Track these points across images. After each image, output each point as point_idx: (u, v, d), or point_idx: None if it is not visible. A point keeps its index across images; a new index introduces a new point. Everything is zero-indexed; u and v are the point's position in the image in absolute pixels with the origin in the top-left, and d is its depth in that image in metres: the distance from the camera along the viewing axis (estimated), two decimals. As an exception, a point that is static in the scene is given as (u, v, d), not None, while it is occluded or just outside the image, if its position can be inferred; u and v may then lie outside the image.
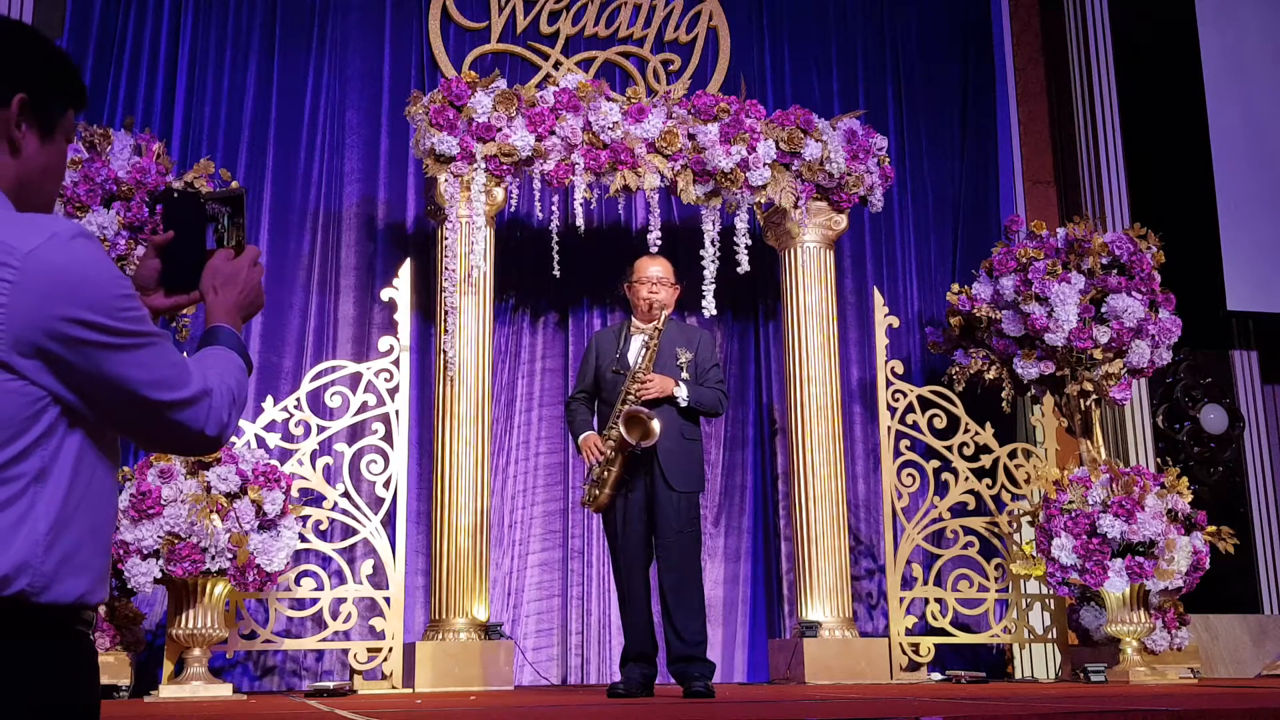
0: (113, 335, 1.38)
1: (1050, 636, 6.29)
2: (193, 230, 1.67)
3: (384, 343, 5.75)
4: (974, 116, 7.54)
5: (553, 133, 5.73)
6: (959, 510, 6.28)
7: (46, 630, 1.36)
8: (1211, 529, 5.83)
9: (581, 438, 4.78)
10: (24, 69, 1.47)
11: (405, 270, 5.81)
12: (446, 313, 5.70)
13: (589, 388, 4.93)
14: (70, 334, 1.35)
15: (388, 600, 5.56)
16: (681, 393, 4.69)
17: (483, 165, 5.67)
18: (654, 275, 4.88)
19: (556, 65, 6.81)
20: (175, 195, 1.69)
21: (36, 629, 1.35)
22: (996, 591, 6.21)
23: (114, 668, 4.94)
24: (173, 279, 1.64)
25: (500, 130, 5.67)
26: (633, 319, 4.93)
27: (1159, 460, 7.02)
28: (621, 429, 4.58)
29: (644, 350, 4.74)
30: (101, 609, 4.85)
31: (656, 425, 4.56)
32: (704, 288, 5.78)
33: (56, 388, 1.37)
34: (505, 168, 5.71)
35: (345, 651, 5.67)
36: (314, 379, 5.70)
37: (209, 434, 1.48)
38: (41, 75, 1.49)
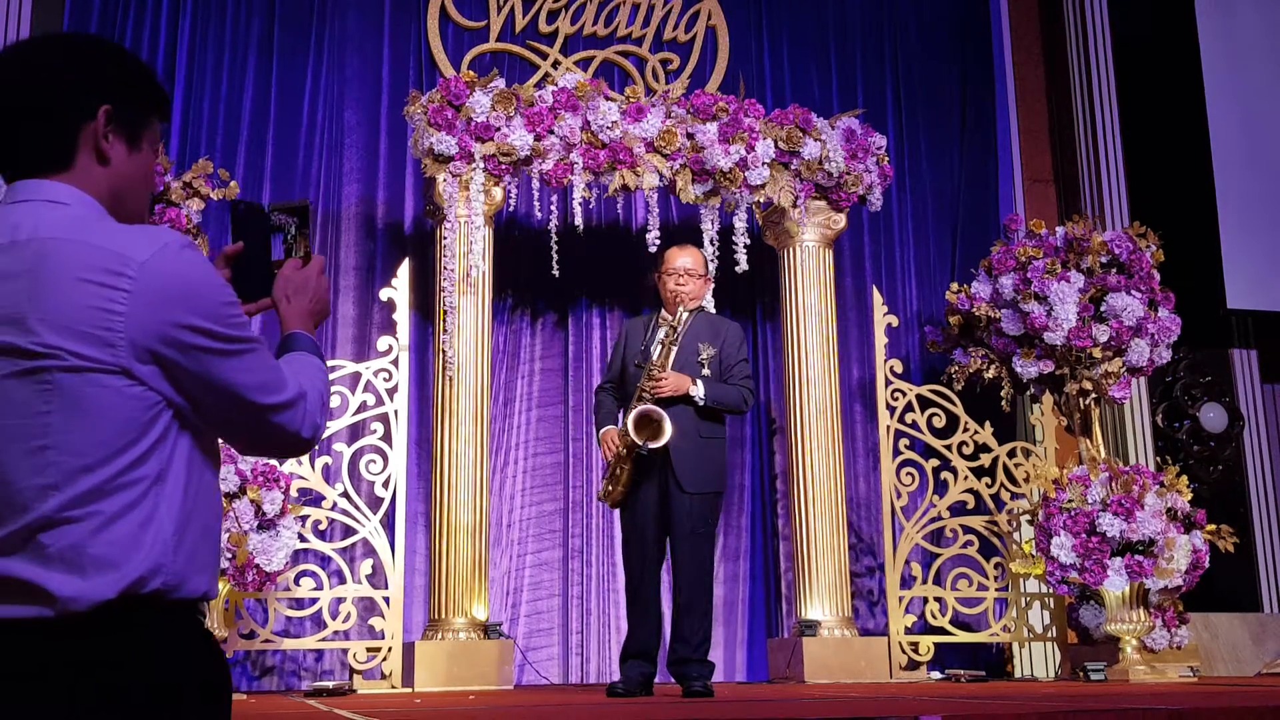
0: (221, 341, 1.45)
1: (1050, 635, 6.29)
2: (260, 240, 1.73)
3: (383, 342, 5.75)
4: (973, 116, 7.54)
5: (551, 132, 5.73)
6: (958, 509, 6.29)
7: (182, 622, 1.43)
8: (1211, 527, 5.84)
9: (602, 432, 4.74)
10: (107, 80, 1.53)
11: (404, 270, 5.82)
12: (445, 312, 5.70)
13: (615, 378, 4.85)
14: (183, 340, 1.42)
15: (387, 600, 5.57)
16: (698, 391, 4.59)
17: (481, 165, 5.67)
18: (681, 266, 4.79)
19: (555, 64, 6.82)
20: (242, 208, 1.74)
21: (173, 623, 1.42)
22: (996, 590, 6.22)
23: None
24: (244, 288, 1.69)
25: (499, 130, 5.68)
26: (662, 310, 4.85)
27: (1158, 459, 7.02)
28: (630, 428, 4.49)
29: (660, 345, 4.66)
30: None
31: (668, 426, 4.46)
32: (703, 287, 5.77)
33: (170, 392, 1.43)
34: (504, 167, 5.71)
35: (344, 651, 5.68)
36: (313, 379, 5.69)
37: (305, 435, 1.55)
38: (125, 86, 1.55)
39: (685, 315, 4.70)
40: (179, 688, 1.39)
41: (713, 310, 5.75)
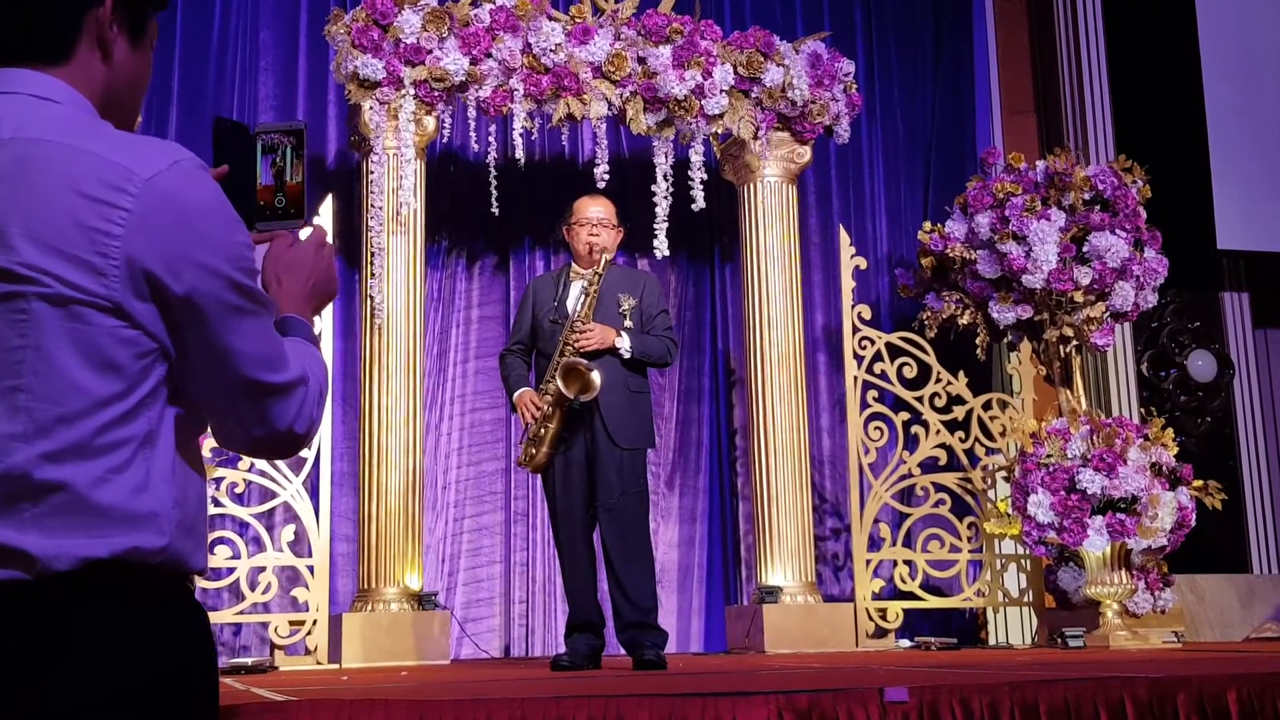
0: (233, 291, 1.35)
1: (1026, 599, 6.40)
2: (246, 164, 1.62)
3: (304, 287, 5.69)
4: (949, 40, 7.54)
5: (489, 55, 5.67)
6: (930, 466, 6.35)
7: (176, 597, 1.38)
8: (1198, 484, 5.94)
9: (516, 395, 4.79)
10: None
11: (326, 208, 5.75)
12: (373, 255, 5.66)
13: (525, 339, 4.94)
14: (188, 278, 1.31)
15: (311, 569, 5.56)
16: (624, 343, 4.70)
17: (411, 91, 5.61)
18: (594, 216, 4.89)
19: (492, -19, 6.72)
20: (227, 124, 1.63)
21: (168, 597, 1.37)
22: (969, 552, 6.30)
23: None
24: None
25: (430, 52, 5.61)
26: (572, 264, 4.94)
27: (1143, 410, 7.12)
28: (559, 382, 4.58)
29: (583, 297, 4.74)
30: None
31: (597, 378, 4.57)
32: (656, 226, 5.77)
33: (165, 340, 1.33)
34: (436, 94, 5.65)
35: (265, 625, 5.67)
36: (227, 328, 5.64)
37: (299, 431, 1.45)
38: None
39: (603, 266, 4.77)
40: (176, 665, 1.34)
41: (666, 251, 5.77)
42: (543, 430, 4.67)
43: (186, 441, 1.40)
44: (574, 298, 4.80)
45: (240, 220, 1.38)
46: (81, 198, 1.28)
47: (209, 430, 1.47)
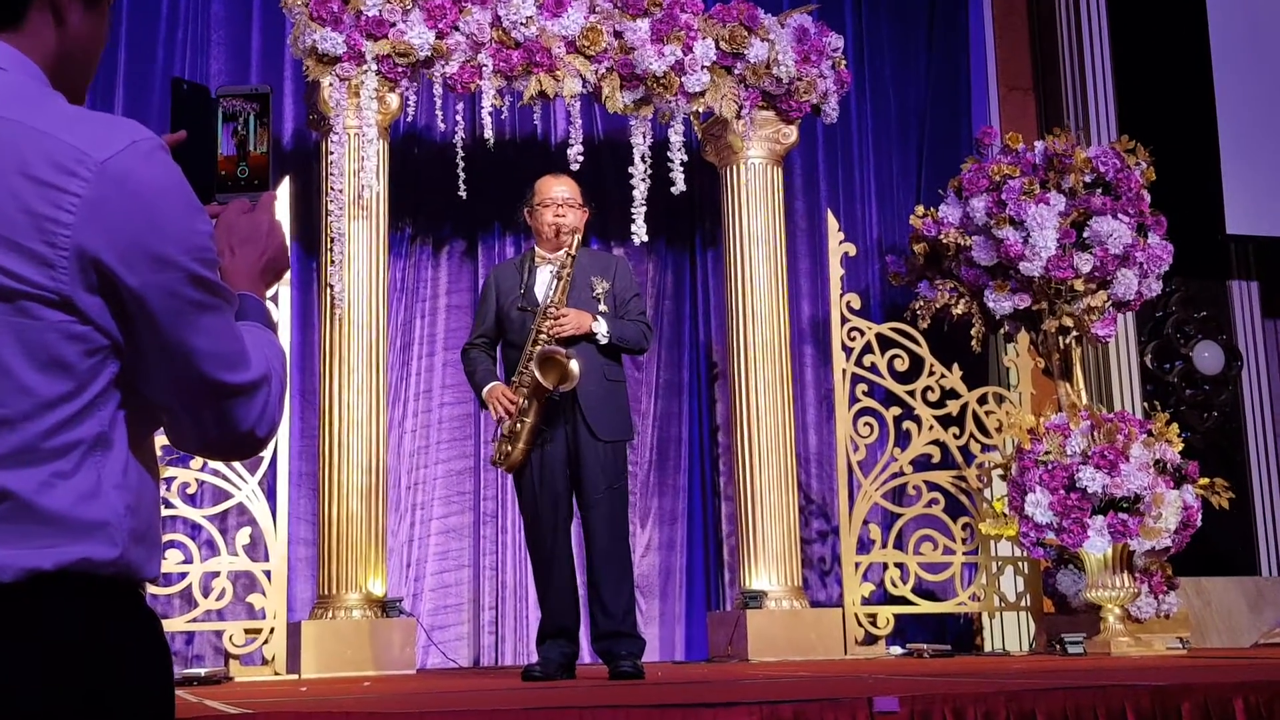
0: (189, 285, 1.30)
1: (1023, 604, 6.42)
2: (205, 130, 1.57)
3: (259, 275, 5.67)
4: (942, 13, 7.55)
5: (456, 29, 5.65)
6: (922, 463, 6.37)
7: (128, 608, 1.35)
8: (1204, 482, 5.96)
9: (486, 390, 4.76)
10: None
11: (283, 191, 5.72)
12: (333, 240, 5.64)
13: (489, 331, 4.92)
14: (144, 271, 1.27)
15: (268, 574, 5.53)
16: (601, 328, 4.69)
17: (373, 67, 5.59)
18: (559, 195, 4.88)
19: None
20: (186, 86, 1.58)
21: (124, 607, 1.34)
22: (964, 554, 6.32)
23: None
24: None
25: (394, 25, 5.58)
26: (536, 249, 4.93)
27: (1146, 405, 7.14)
28: (536, 372, 4.56)
29: (555, 281, 4.72)
30: None
31: (576, 366, 4.56)
32: (633, 210, 5.76)
33: (118, 336, 1.29)
34: (400, 70, 5.63)
35: (219, 634, 5.65)
36: (177, 318, 5.61)
37: (260, 434, 1.41)
38: None
39: (574, 247, 4.76)
40: (128, 681, 1.31)
41: (644, 237, 5.75)
42: (518, 425, 4.64)
43: (139, 442, 1.37)
44: (543, 283, 4.78)
45: (202, 209, 1.35)
46: (29, 181, 1.24)
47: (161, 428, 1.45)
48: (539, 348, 4.61)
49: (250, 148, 1.59)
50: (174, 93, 1.58)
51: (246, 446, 1.42)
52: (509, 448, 4.69)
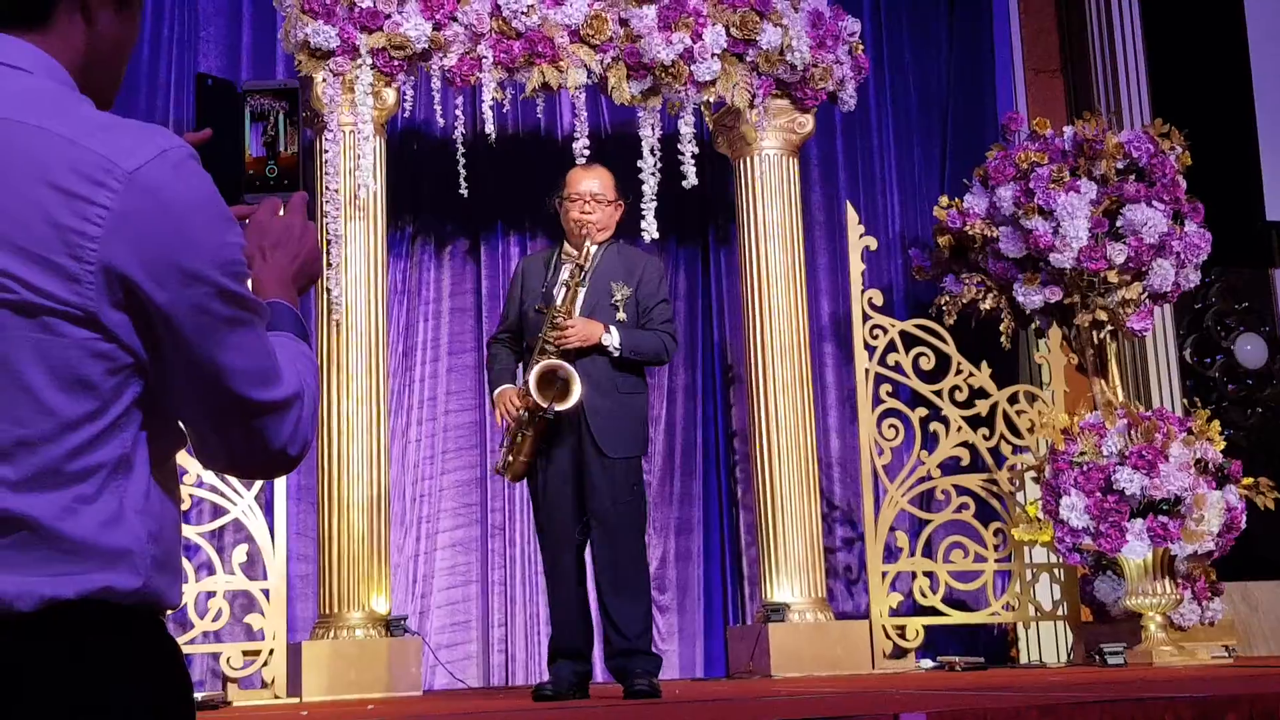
0: (223, 301, 1.30)
1: (1060, 613, 6.40)
2: (233, 129, 1.58)
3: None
4: (965, -7, 7.54)
5: (454, 19, 5.66)
6: (951, 467, 6.35)
7: (150, 637, 1.34)
8: (1248, 481, 5.95)
9: (497, 392, 4.75)
10: None
11: (277, 192, 5.74)
12: (329, 242, 5.64)
13: (513, 326, 4.87)
14: (173, 286, 1.27)
15: (266, 593, 5.54)
16: (613, 339, 4.61)
17: (368, 61, 5.60)
18: (586, 190, 4.80)
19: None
20: (211, 81, 1.58)
21: (146, 637, 1.33)
22: (996, 562, 6.30)
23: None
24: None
25: (389, 17, 5.60)
26: (565, 243, 4.87)
27: (1186, 401, 7.12)
28: (532, 388, 4.50)
29: (564, 290, 4.66)
30: None
31: (577, 385, 4.49)
32: (643, 206, 5.75)
33: (143, 354, 1.29)
34: (396, 64, 5.64)
35: (216, 656, 5.66)
36: (168, 327, 5.62)
37: (292, 453, 1.40)
38: None
39: (593, 250, 4.70)
40: (152, 710, 1.31)
41: (654, 234, 5.73)
42: (519, 437, 4.63)
43: (161, 464, 1.36)
44: (561, 284, 4.72)
45: (233, 219, 1.34)
46: (55, 191, 1.24)
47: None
48: (541, 361, 4.56)
49: (280, 148, 1.60)
50: (199, 89, 1.58)
51: (278, 466, 1.42)
52: (511, 457, 4.67)
